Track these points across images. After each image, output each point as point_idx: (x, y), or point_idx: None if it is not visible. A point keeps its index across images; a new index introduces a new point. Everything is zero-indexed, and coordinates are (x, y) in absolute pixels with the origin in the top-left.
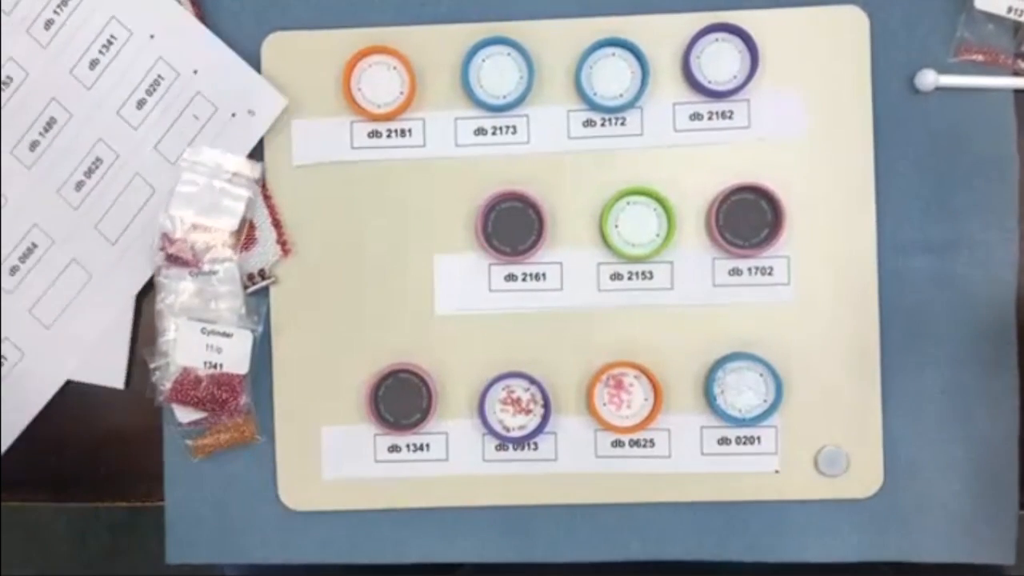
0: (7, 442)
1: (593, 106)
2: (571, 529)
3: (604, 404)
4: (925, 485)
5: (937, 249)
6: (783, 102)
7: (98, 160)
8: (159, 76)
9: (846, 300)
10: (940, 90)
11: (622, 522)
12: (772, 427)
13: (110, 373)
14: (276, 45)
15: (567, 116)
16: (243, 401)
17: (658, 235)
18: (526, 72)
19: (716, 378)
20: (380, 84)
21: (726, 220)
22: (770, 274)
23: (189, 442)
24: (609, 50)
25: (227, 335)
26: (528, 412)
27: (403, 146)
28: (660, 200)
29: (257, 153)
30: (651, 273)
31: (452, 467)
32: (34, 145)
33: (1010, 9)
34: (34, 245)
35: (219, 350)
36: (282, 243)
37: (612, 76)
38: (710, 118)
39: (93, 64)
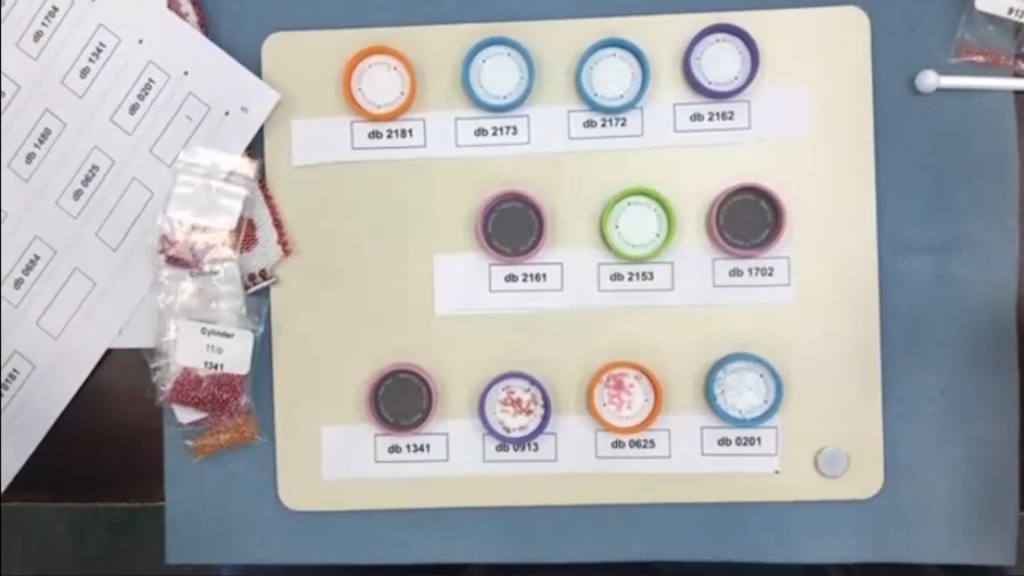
0: (25, 454)
1: (594, 107)
2: (571, 529)
3: (604, 404)
4: (925, 486)
5: (937, 249)
6: (784, 103)
7: (95, 168)
8: (150, 80)
9: (846, 300)
10: (940, 91)
11: (622, 522)
12: (772, 428)
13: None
14: (276, 45)
15: (567, 116)
16: (243, 401)
17: (658, 235)
18: (526, 72)
19: (716, 378)
20: (380, 84)
21: (726, 221)
22: (770, 275)
23: (189, 442)
24: (610, 50)
25: (227, 335)
26: (528, 412)
27: (403, 146)
28: (660, 200)
29: (257, 152)
30: (651, 274)
31: (452, 467)
32: (30, 157)
33: (1011, 10)
34: (37, 257)
35: (219, 350)
36: (283, 243)
37: (613, 77)
38: (710, 119)
39: (84, 72)
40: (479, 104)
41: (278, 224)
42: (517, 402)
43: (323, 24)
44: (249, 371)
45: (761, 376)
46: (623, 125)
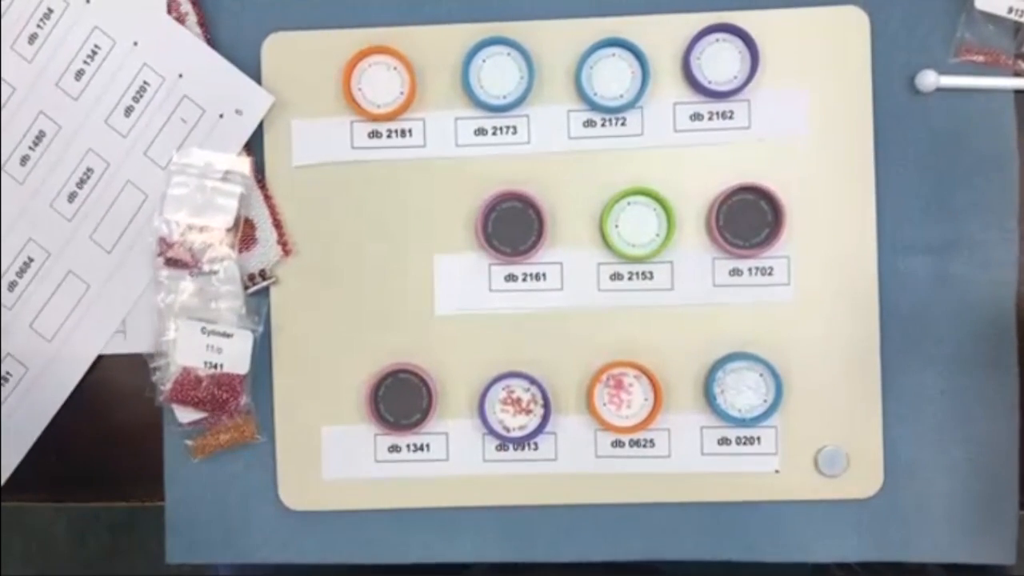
0: (18, 457)
1: (593, 106)
2: (571, 529)
3: (604, 404)
4: (925, 485)
5: (937, 249)
6: (783, 102)
7: (89, 170)
8: (145, 82)
9: (846, 300)
10: (940, 90)
11: (622, 522)
12: (772, 427)
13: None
14: (276, 45)
15: (567, 116)
16: (243, 401)
17: (658, 235)
18: (526, 72)
19: (716, 378)
20: (380, 84)
21: (726, 220)
22: (770, 274)
23: (189, 442)
24: (609, 50)
25: (227, 335)
26: (528, 412)
27: (403, 146)
28: (660, 200)
29: (257, 151)
30: (651, 273)
31: (452, 467)
32: (25, 160)
33: (1011, 9)
34: (31, 259)
35: (219, 350)
36: (283, 243)
37: (612, 76)
38: (710, 118)
39: (79, 75)
40: (479, 104)
41: (278, 224)
42: (517, 402)
43: (323, 24)
44: (249, 371)
45: (761, 375)
46: (623, 125)
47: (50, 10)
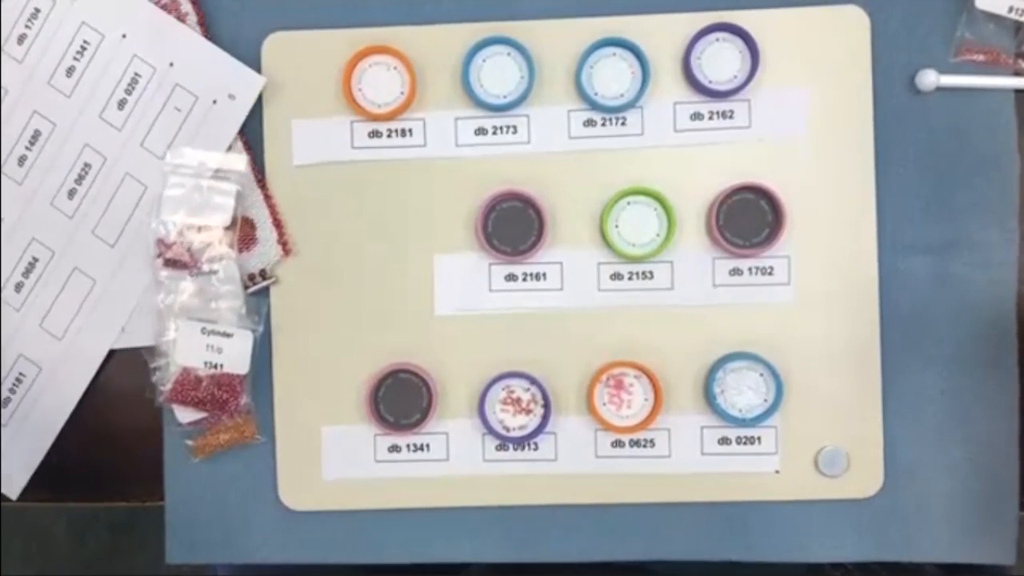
0: (39, 457)
1: (594, 106)
2: (571, 529)
3: (604, 404)
4: (925, 485)
5: (937, 249)
6: (784, 102)
7: (87, 166)
8: (136, 74)
9: (846, 300)
10: (941, 90)
11: (622, 522)
12: (772, 427)
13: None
14: (276, 45)
15: (568, 116)
16: (243, 401)
17: (658, 235)
18: (526, 72)
19: (716, 378)
20: (380, 84)
21: (726, 220)
22: (770, 274)
23: (189, 442)
24: (610, 50)
25: (227, 335)
26: (528, 412)
27: (403, 146)
28: (660, 200)
29: (257, 151)
30: (651, 273)
31: (452, 467)
32: (22, 160)
33: (1011, 9)
34: (35, 259)
35: (219, 350)
36: (283, 243)
37: (613, 76)
38: (711, 118)
39: (70, 72)
40: (479, 104)
41: (278, 224)
42: (517, 401)
43: (323, 24)
44: (249, 371)
45: (761, 375)
46: (623, 124)
47: (37, 10)
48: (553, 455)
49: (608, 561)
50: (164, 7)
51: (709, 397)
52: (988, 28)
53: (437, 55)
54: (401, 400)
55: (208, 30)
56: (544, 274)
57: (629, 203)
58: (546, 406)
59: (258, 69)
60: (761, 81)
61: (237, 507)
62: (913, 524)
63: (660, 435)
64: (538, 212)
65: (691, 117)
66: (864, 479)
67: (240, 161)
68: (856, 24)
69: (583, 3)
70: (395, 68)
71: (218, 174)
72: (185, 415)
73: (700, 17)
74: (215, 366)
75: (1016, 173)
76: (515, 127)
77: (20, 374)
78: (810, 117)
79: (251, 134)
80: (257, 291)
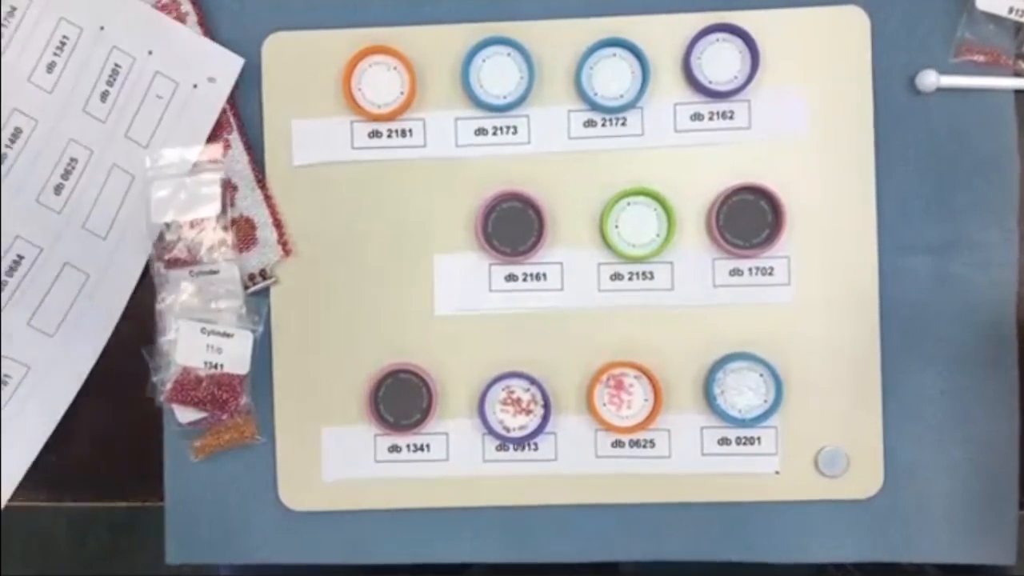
0: (29, 460)
1: (594, 106)
2: (571, 529)
3: (604, 404)
4: (925, 486)
5: (937, 249)
6: (784, 102)
7: (73, 160)
8: (116, 65)
9: (846, 300)
10: (941, 90)
11: (622, 522)
12: (772, 428)
13: None
14: (276, 45)
15: (568, 116)
16: (243, 401)
17: (658, 235)
18: (526, 72)
19: (716, 378)
20: (380, 84)
21: (726, 220)
22: (770, 274)
23: (189, 442)
24: (610, 50)
25: (227, 335)
26: (528, 412)
27: (403, 146)
28: (660, 200)
29: (257, 151)
30: (651, 273)
31: (452, 467)
32: (2, 159)
33: (1011, 9)
34: (20, 257)
35: (219, 350)
36: (283, 243)
37: (613, 76)
38: (711, 118)
39: (50, 67)
40: (479, 104)
41: (278, 224)
42: (517, 402)
43: (323, 24)
44: (249, 371)
45: (761, 376)
46: (623, 125)
47: (13, 8)
48: (553, 455)
49: (608, 561)
50: (164, 7)
51: (709, 397)
52: (988, 29)
53: (437, 55)
54: (401, 400)
55: (208, 30)
56: (544, 274)
57: (629, 203)
58: (546, 406)
59: (258, 69)
60: (761, 81)
61: (237, 507)
62: (913, 524)
63: (660, 435)
64: (538, 212)
65: (691, 117)
66: (864, 479)
67: (217, 150)
68: (856, 24)
69: (583, 3)
70: (395, 68)
71: (198, 167)
72: (185, 415)
73: (700, 17)
74: (215, 366)
75: (1016, 173)
76: (515, 127)
77: (6, 375)
78: (810, 117)
79: (251, 134)
80: (257, 291)
